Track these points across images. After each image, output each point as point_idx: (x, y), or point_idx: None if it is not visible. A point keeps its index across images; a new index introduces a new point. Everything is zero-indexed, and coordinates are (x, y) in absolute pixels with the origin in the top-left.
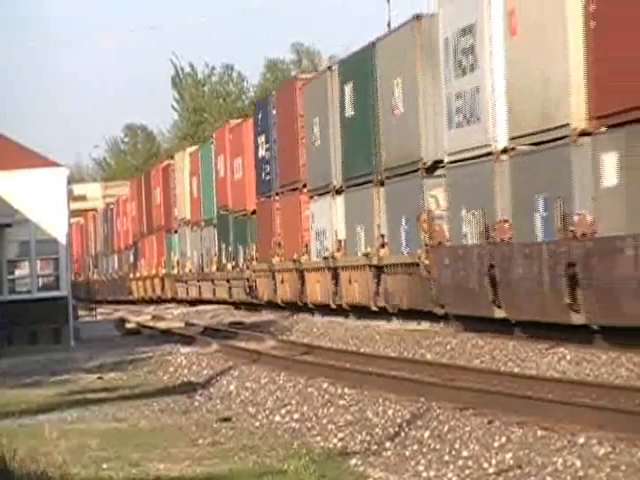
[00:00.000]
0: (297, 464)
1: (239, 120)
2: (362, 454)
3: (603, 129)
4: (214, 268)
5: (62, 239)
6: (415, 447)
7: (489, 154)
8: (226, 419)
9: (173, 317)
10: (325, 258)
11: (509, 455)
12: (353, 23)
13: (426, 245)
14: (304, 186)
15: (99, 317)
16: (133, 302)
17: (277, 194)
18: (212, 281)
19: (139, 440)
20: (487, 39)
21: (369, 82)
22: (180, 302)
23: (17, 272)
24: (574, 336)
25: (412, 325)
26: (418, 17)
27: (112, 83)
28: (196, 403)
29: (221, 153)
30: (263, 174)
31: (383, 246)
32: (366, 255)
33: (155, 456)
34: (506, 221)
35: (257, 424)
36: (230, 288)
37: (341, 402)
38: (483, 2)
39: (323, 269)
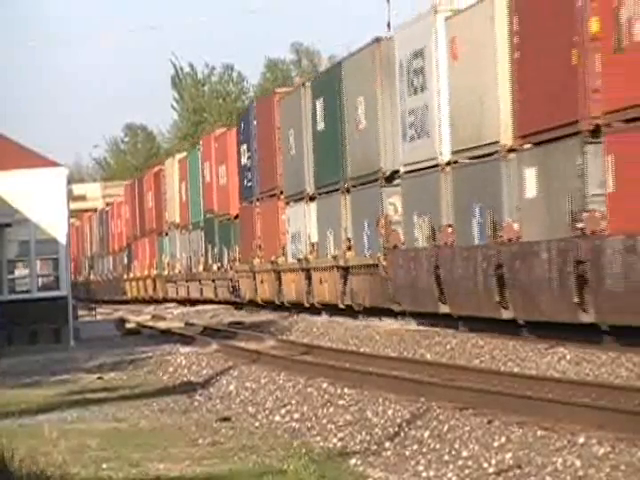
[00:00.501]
0: (297, 464)
1: (224, 129)
2: (362, 454)
3: (528, 146)
4: (201, 269)
5: (62, 239)
6: (415, 447)
7: (436, 166)
8: (226, 419)
9: (173, 317)
10: (299, 260)
11: (509, 455)
12: (353, 23)
13: (384, 248)
14: (281, 193)
15: (99, 317)
16: (127, 302)
17: (257, 200)
18: (199, 281)
19: (139, 440)
20: (434, 62)
21: (337, 98)
22: (171, 301)
23: (17, 272)
24: (506, 329)
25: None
26: (378, 40)
27: (112, 83)
28: (196, 403)
29: (207, 160)
30: (245, 181)
31: (349, 249)
32: (334, 257)
33: (155, 456)
34: (450, 226)
35: (257, 424)
36: (215, 288)
37: (341, 402)
38: (430, 29)
39: (297, 270)
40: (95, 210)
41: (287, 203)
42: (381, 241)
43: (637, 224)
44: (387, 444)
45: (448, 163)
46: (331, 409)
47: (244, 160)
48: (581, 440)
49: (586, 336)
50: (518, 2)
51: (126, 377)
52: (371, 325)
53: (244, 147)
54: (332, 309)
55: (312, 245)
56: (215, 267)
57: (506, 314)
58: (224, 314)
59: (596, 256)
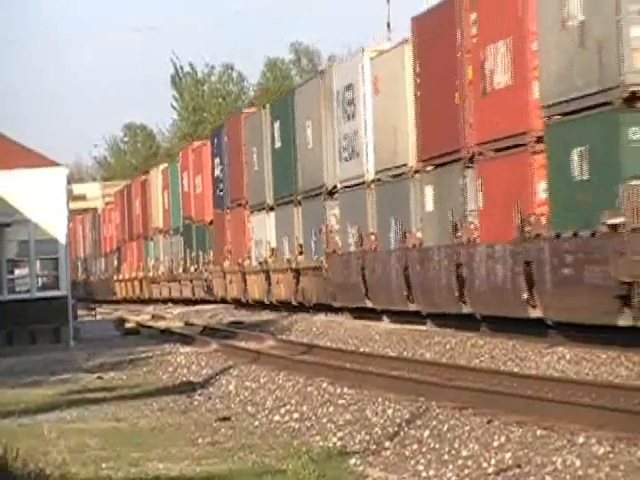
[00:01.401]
0: (296, 463)
1: (200, 142)
2: (361, 453)
3: (429, 168)
4: (181, 271)
5: (62, 239)
6: (414, 446)
7: (363, 183)
8: (225, 418)
9: (172, 317)
10: (260, 263)
11: (508, 454)
12: (353, 23)
13: (325, 253)
14: (246, 203)
15: (98, 317)
16: (117, 301)
17: (228, 208)
18: (179, 282)
19: (138, 439)
20: (361, 95)
21: (290, 121)
22: (156, 301)
23: (17, 272)
24: (414, 319)
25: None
26: (322, 72)
27: (112, 83)
28: (195, 402)
29: (185, 171)
30: (218, 190)
31: (301, 253)
32: (288, 261)
33: (154, 455)
34: (373, 234)
35: (256, 423)
36: (193, 288)
37: (340, 401)
38: (358, 67)
39: (259, 272)
40: (95, 210)
41: (252, 212)
42: (324, 247)
43: (497, 235)
44: (387, 444)
45: (372, 181)
46: (331, 409)
47: (217, 172)
48: (581, 440)
49: (467, 324)
50: (419, 50)
51: (126, 377)
52: (370, 325)
53: (217, 160)
54: (286, 306)
55: (271, 250)
56: (192, 269)
57: (412, 307)
58: (223, 314)
59: (470, 260)
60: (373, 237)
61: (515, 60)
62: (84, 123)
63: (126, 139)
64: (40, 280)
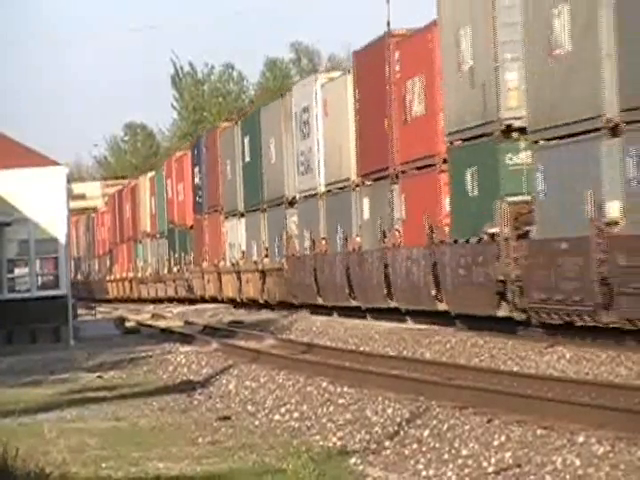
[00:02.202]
0: (296, 463)
1: (182, 152)
2: (361, 453)
3: (368, 182)
4: (165, 271)
5: (62, 238)
6: (414, 446)
7: (316, 194)
8: (226, 418)
9: (172, 316)
10: (233, 264)
11: (508, 454)
12: (353, 23)
13: (286, 255)
14: (222, 209)
15: (98, 316)
16: (109, 301)
17: (206, 214)
18: (164, 282)
19: (139, 439)
20: (314, 116)
21: (257, 138)
22: (144, 301)
23: (16, 271)
24: (354, 313)
25: (409, 324)
26: (282, 95)
27: (112, 82)
28: (196, 402)
29: (169, 178)
30: (197, 197)
31: (266, 256)
32: (255, 262)
33: (154, 455)
34: (324, 239)
35: (257, 423)
36: (176, 287)
37: (340, 401)
38: (312, 91)
39: (232, 272)
40: (95, 209)
41: (226, 218)
42: (284, 251)
43: (415, 241)
44: (387, 443)
45: (323, 193)
46: (331, 408)
47: (197, 180)
48: (581, 439)
49: (394, 316)
50: (358, 80)
51: (126, 376)
52: (370, 324)
53: (197, 169)
54: (254, 304)
55: (242, 252)
56: (175, 269)
57: (354, 303)
58: (224, 313)
59: (394, 261)
60: (324, 242)
61: (427, 94)
62: (84, 123)
63: (126, 138)
64: (40, 279)
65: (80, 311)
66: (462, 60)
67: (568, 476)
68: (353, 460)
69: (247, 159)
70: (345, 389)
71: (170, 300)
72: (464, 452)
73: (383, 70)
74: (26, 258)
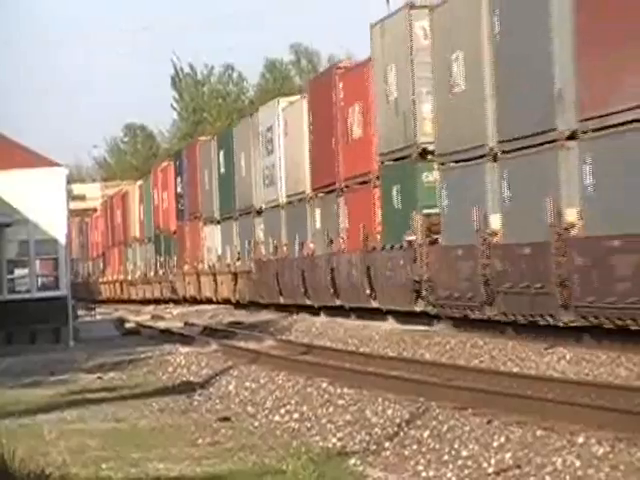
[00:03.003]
0: (296, 464)
1: (166, 163)
2: (361, 454)
3: (321, 195)
4: (152, 274)
5: (61, 239)
6: (414, 447)
7: (278, 205)
8: (225, 419)
9: (172, 317)
10: (210, 267)
11: (508, 455)
12: (353, 23)
13: (253, 259)
14: (201, 216)
15: (98, 317)
16: (102, 301)
17: (187, 220)
18: (151, 284)
19: (138, 440)
20: (277, 136)
21: (230, 152)
22: (133, 302)
23: (16, 272)
24: (309, 311)
25: (409, 326)
26: (251, 115)
27: (112, 83)
28: (195, 403)
29: (155, 187)
30: (180, 205)
31: (238, 259)
32: (228, 265)
33: (154, 456)
34: (285, 245)
35: (256, 424)
36: (161, 289)
37: (340, 402)
38: (275, 114)
39: (209, 274)
40: (95, 210)
41: (204, 224)
42: (252, 254)
43: (355, 247)
44: (387, 444)
45: (284, 204)
46: (330, 409)
47: (179, 189)
48: (580, 440)
49: (337, 310)
50: (312, 104)
51: (126, 377)
52: (370, 325)
53: (179, 179)
54: (227, 303)
55: (218, 256)
56: (161, 272)
57: (309, 302)
58: (223, 314)
59: (338, 265)
60: (285, 248)
61: (364, 120)
62: (84, 123)
63: (126, 139)
64: (40, 280)
65: (80, 312)
66: (389, 92)
67: (568, 477)
68: (353, 461)
69: (222, 171)
70: (345, 390)
71: (157, 301)
72: (464, 453)
73: (330, 97)
74: (26, 259)
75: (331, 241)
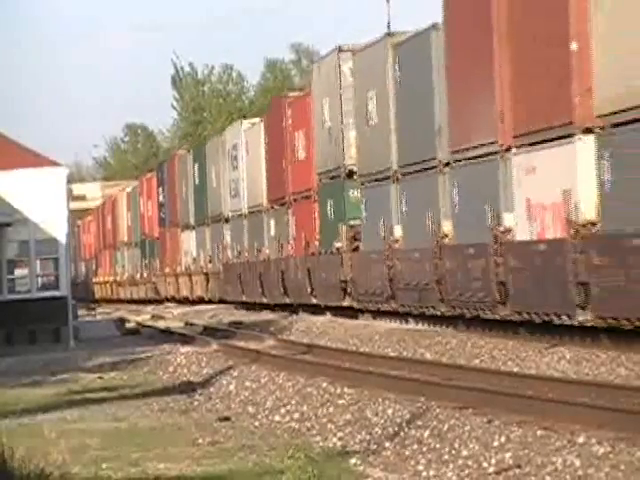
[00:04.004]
0: (296, 464)
1: (151, 174)
2: (362, 453)
3: (275, 207)
4: (138, 276)
5: (62, 239)
6: (415, 446)
7: (242, 215)
8: (226, 419)
9: (173, 317)
10: (186, 268)
11: (509, 454)
12: (353, 23)
13: (222, 262)
14: (179, 223)
15: (98, 317)
16: (95, 301)
17: (168, 227)
18: (137, 285)
19: (139, 440)
20: (240, 154)
21: (204, 166)
22: (122, 301)
23: (17, 272)
24: (265, 308)
25: (410, 325)
26: (221, 134)
27: (112, 83)
28: (196, 403)
29: (141, 196)
30: (161, 213)
31: (210, 262)
32: (201, 267)
33: (155, 456)
34: (246, 250)
35: (257, 424)
36: (146, 289)
37: (340, 402)
38: (239, 134)
39: (185, 275)
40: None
41: (182, 230)
42: (220, 258)
43: (299, 253)
44: (387, 444)
45: (246, 214)
46: (331, 409)
47: (161, 198)
48: (581, 440)
49: (287, 307)
50: (267, 126)
51: (126, 377)
52: (371, 325)
53: (161, 189)
54: (201, 301)
55: (193, 259)
56: (145, 274)
57: (265, 300)
58: (224, 314)
59: (287, 268)
60: (246, 253)
61: (306, 143)
62: (84, 123)
63: (126, 139)
64: (40, 280)
65: (80, 312)
66: (324, 121)
67: (568, 477)
68: (353, 461)
69: (197, 182)
70: (345, 390)
71: (143, 301)
72: (464, 453)
73: (281, 122)
74: (26, 259)
75: (282, 247)
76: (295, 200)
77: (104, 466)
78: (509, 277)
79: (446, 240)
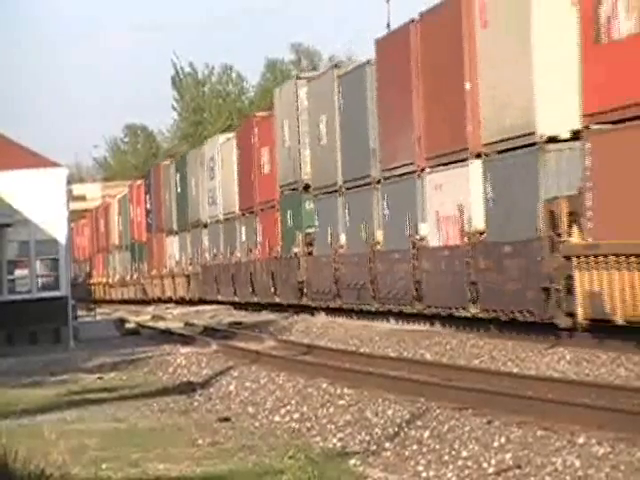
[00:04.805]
0: (296, 464)
1: (140, 182)
2: (361, 454)
3: (246, 215)
4: (128, 278)
5: (62, 239)
6: (414, 447)
7: (218, 221)
8: (226, 419)
9: (172, 317)
10: (170, 270)
11: (508, 455)
12: (353, 23)
13: (200, 264)
14: (164, 228)
15: (98, 317)
16: (95, 301)
17: (154, 232)
18: (127, 286)
19: (139, 440)
20: (216, 166)
21: (185, 176)
22: (112, 302)
23: (17, 272)
24: (237, 306)
25: (408, 325)
26: (200, 148)
27: (112, 83)
28: (196, 403)
29: (131, 203)
30: (149, 219)
31: (191, 264)
32: (183, 269)
33: (154, 456)
34: (221, 254)
35: (257, 424)
36: (135, 290)
37: (340, 402)
38: (215, 147)
39: (169, 277)
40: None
41: (167, 235)
42: (199, 260)
43: (265, 256)
44: (387, 444)
45: (222, 220)
46: (331, 409)
47: (148, 205)
48: (581, 440)
49: (256, 306)
50: (238, 143)
51: (126, 377)
52: (371, 325)
53: (148, 196)
54: (182, 301)
55: (176, 262)
56: (135, 276)
57: (237, 299)
58: (223, 314)
59: (254, 270)
60: (221, 256)
61: (270, 159)
62: (84, 123)
63: (126, 140)
64: (40, 280)
65: (80, 312)
66: (285, 140)
67: (568, 477)
68: (353, 461)
69: (179, 190)
70: (345, 390)
71: (132, 302)
72: (464, 453)
73: (250, 139)
74: (26, 259)
75: (250, 251)
76: (262, 209)
77: (104, 467)
78: (423, 277)
79: (378, 247)
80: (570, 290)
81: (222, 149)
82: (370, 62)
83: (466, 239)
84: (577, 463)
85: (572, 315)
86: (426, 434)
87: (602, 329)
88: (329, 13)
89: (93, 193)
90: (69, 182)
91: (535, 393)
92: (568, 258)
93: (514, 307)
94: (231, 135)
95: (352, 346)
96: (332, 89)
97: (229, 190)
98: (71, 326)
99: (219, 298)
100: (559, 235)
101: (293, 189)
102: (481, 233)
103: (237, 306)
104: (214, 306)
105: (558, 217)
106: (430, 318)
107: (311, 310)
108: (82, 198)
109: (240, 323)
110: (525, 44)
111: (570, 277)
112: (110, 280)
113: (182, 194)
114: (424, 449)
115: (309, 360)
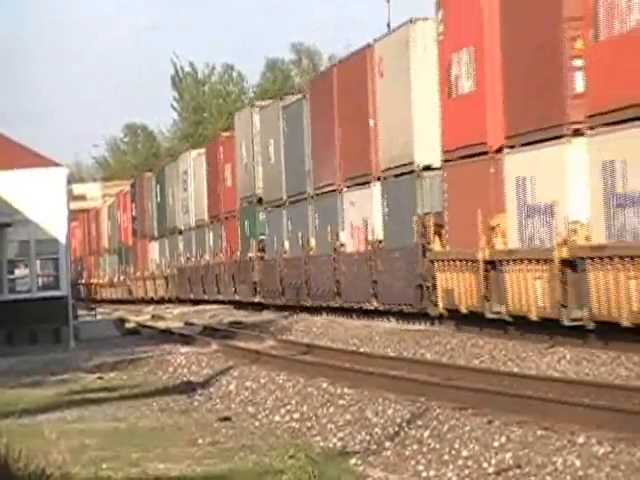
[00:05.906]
0: (297, 464)
1: (127, 189)
2: (362, 454)
3: (213, 222)
4: (116, 280)
5: (62, 239)
6: (415, 447)
7: (190, 228)
8: (226, 419)
9: (173, 317)
10: (151, 273)
11: (509, 455)
12: (353, 23)
13: (177, 267)
14: (147, 234)
15: (98, 317)
16: (94, 301)
17: (139, 237)
18: (115, 287)
19: (139, 440)
20: (189, 179)
21: (163, 187)
22: (102, 302)
23: (17, 271)
24: (207, 303)
25: (409, 325)
26: (176, 160)
27: (112, 83)
28: (196, 403)
29: (119, 209)
30: (135, 225)
31: (169, 267)
32: (162, 271)
33: (155, 456)
34: (194, 257)
35: (257, 424)
36: (122, 291)
37: (341, 402)
38: (188, 162)
39: (151, 278)
40: (95, 210)
41: (150, 240)
42: (176, 263)
43: (229, 259)
44: (387, 444)
45: (194, 227)
46: (331, 409)
47: (134, 212)
48: (581, 440)
49: (220, 303)
50: (207, 159)
51: (126, 377)
52: (371, 325)
53: (134, 204)
54: (162, 301)
55: (156, 265)
56: (122, 278)
57: (205, 297)
58: (224, 314)
59: (219, 272)
60: (193, 258)
61: (232, 174)
62: (84, 123)
63: (126, 139)
64: (40, 280)
65: (80, 312)
66: (243, 157)
67: (568, 477)
68: (353, 461)
69: (159, 200)
70: (345, 390)
71: (120, 301)
72: (464, 453)
73: (216, 157)
74: (26, 259)
75: (216, 255)
76: (226, 218)
77: (104, 466)
78: (341, 278)
79: (311, 252)
80: (435, 287)
81: (194, 164)
82: (306, 96)
83: (369, 247)
84: (577, 463)
85: (437, 306)
86: (426, 434)
87: (603, 330)
88: (329, 13)
89: (93, 193)
90: (69, 182)
91: (535, 393)
92: (432, 262)
93: (401, 301)
94: (202, 151)
95: (352, 346)
96: (278, 117)
97: (200, 200)
98: (71, 326)
99: (191, 297)
100: (428, 243)
101: (249, 201)
102: (380, 241)
103: (235, 306)
104: (214, 306)
105: (428, 229)
106: (348, 311)
107: (262, 307)
108: (82, 198)
109: (240, 323)
110: (407, 93)
111: (434, 277)
112: (100, 281)
113: (161, 203)
114: (424, 449)
115: (309, 360)
